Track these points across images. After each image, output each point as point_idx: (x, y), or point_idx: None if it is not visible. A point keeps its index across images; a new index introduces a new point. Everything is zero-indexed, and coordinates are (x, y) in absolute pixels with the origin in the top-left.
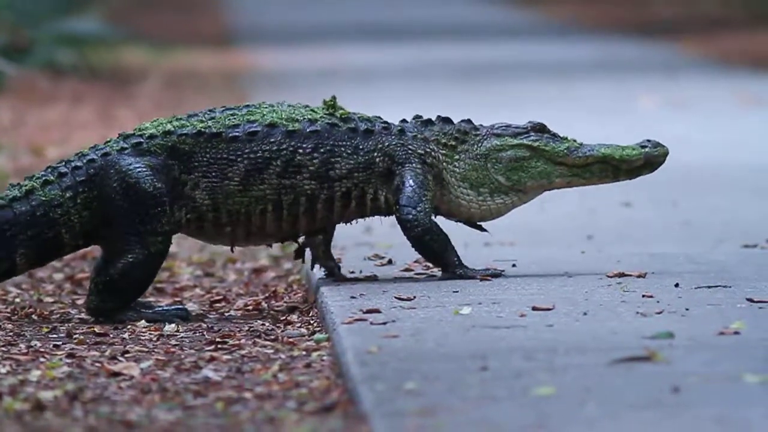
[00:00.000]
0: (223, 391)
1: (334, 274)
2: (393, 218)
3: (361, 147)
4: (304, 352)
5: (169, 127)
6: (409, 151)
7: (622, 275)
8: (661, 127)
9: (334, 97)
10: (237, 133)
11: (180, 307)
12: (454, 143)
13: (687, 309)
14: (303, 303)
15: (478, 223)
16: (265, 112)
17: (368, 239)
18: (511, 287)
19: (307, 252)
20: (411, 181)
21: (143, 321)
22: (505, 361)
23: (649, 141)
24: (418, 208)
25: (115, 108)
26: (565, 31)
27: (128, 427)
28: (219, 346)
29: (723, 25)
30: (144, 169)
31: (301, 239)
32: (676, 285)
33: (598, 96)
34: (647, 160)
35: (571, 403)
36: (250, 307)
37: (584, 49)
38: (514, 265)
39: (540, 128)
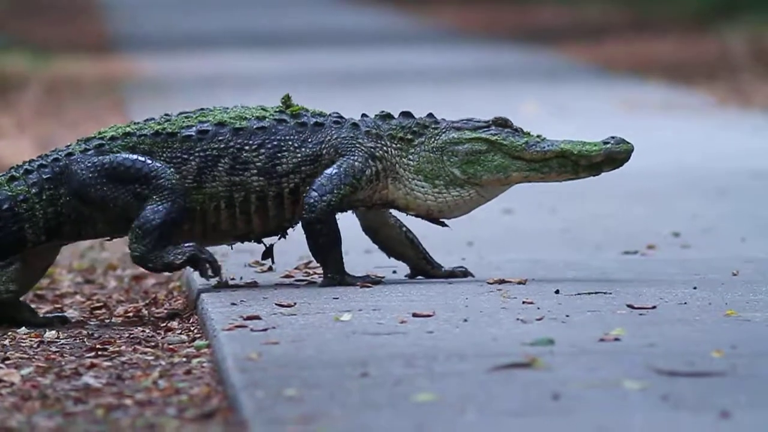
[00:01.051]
0: (104, 398)
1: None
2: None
3: (309, 140)
4: (184, 359)
5: (128, 129)
6: (356, 145)
7: (502, 282)
8: (544, 133)
9: (288, 95)
10: (190, 133)
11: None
12: (411, 137)
13: (567, 315)
14: (183, 309)
15: (439, 219)
16: (217, 113)
17: (249, 246)
18: (391, 294)
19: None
20: (335, 170)
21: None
22: (385, 368)
23: (613, 137)
24: (324, 198)
25: None
26: (449, 37)
27: None
28: (99, 352)
29: (605, 32)
30: (110, 155)
31: (267, 240)
32: (557, 291)
33: (482, 102)
34: (608, 156)
35: (450, 409)
36: (131, 314)
37: (469, 55)
38: (394, 272)
39: (502, 123)
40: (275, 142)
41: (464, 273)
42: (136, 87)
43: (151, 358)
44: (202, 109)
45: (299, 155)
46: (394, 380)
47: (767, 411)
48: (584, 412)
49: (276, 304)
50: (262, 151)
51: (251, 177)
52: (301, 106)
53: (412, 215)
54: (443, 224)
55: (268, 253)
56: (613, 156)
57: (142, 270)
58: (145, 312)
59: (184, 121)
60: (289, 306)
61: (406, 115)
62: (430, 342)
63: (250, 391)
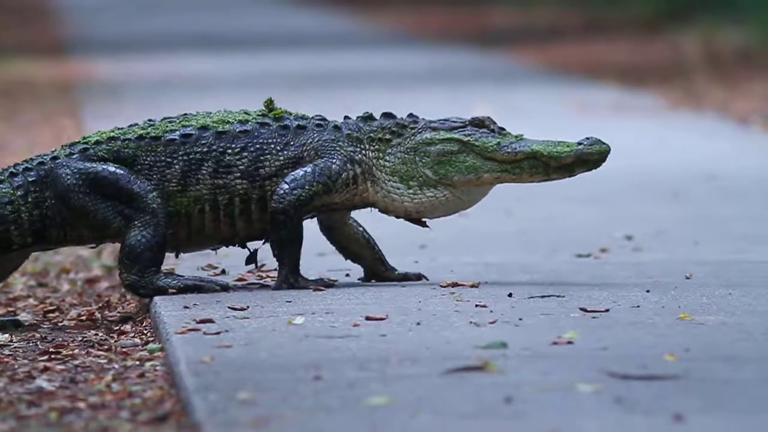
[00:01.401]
0: (57, 401)
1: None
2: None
3: (291, 143)
4: (137, 362)
5: (113, 134)
6: (336, 148)
7: (455, 285)
8: None
9: (270, 99)
10: (174, 137)
11: (218, 279)
12: (389, 137)
13: (520, 319)
14: (136, 313)
15: (420, 219)
16: (200, 118)
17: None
18: (344, 297)
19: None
20: (310, 169)
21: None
22: (339, 371)
23: (588, 138)
24: (295, 191)
25: None
26: (402, 39)
27: None
28: (52, 356)
29: (558, 35)
30: (98, 163)
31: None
32: (510, 294)
33: (435, 104)
34: (578, 157)
35: (404, 413)
36: (84, 317)
37: (422, 58)
38: (347, 275)
39: (479, 123)
40: (258, 146)
41: (417, 276)
42: (91, 90)
43: (105, 361)
44: (185, 114)
45: (281, 158)
46: (347, 383)
47: (720, 414)
48: (537, 415)
49: (229, 308)
50: (245, 154)
51: (235, 180)
52: (284, 109)
53: (393, 216)
54: (424, 224)
55: (252, 258)
56: (584, 157)
57: (95, 273)
58: (99, 315)
59: (167, 126)
60: (242, 309)
61: (388, 116)
62: (383, 345)
63: (203, 394)
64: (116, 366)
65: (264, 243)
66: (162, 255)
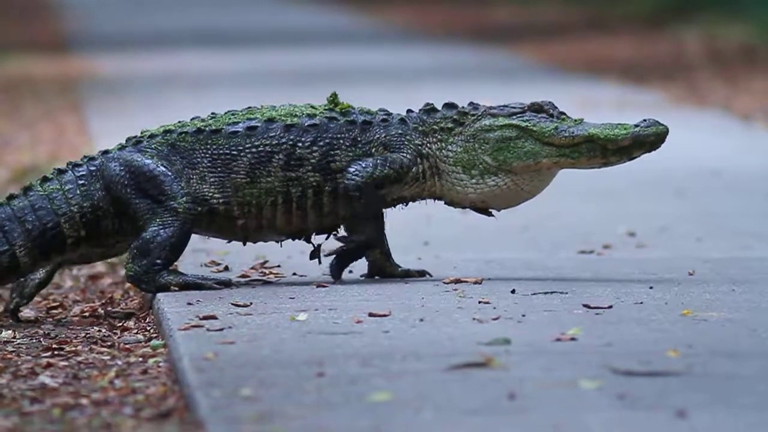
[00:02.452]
0: (60, 398)
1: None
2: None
3: (359, 139)
4: (140, 359)
5: (170, 127)
6: (405, 142)
7: (458, 281)
8: None
9: (335, 93)
10: (237, 129)
11: (220, 276)
12: (451, 125)
13: (524, 315)
14: (139, 309)
15: (486, 209)
16: (265, 111)
17: (204, 246)
18: (347, 293)
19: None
20: (380, 159)
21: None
22: (342, 368)
23: (645, 120)
24: (368, 169)
25: None
26: (406, 36)
27: None
28: (56, 352)
29: (561, 32)
30: (144, 157)
31: (314, 240)
32: (513, 291)
33: (438, 101)
34: (635, 140)
35: (407, 409)
36: (87, 314)
37: (424, 55)
38: (350, 272)
39: (537, 108)
40: (327, 140)
41: (421, 273)
42: (93, 86)
43: (108, 357)
44: (249, 107)
45: (351, 154)
46: (350, 380)
47: (723, 410)
48: (540, 411)
49: (232, 304)
50: (315, 148)
51: (307, 173)
52: (348, 103)
53: (459, 208)
54: (490, 214)
55: (316, 253)
56: (641, 140)
57: (98, 269)
58: (102, 312)
59: (230, 119)
60: (245, 306)
61: (450, 106)
62: (387, 341)
63: (206, 390)
64: (119, 362)
65: (327, 238)
66: (174, 257)
